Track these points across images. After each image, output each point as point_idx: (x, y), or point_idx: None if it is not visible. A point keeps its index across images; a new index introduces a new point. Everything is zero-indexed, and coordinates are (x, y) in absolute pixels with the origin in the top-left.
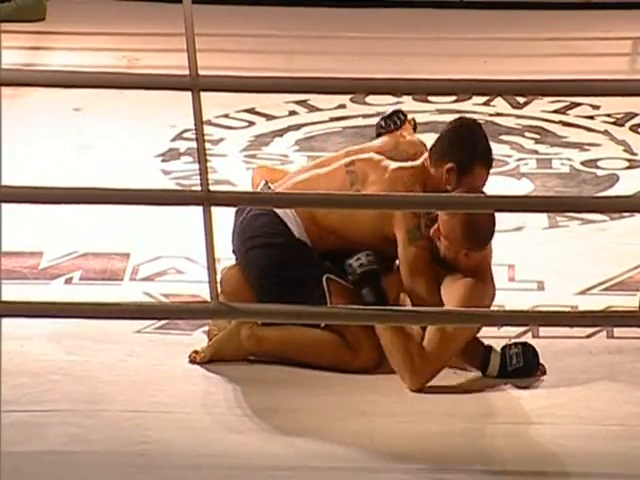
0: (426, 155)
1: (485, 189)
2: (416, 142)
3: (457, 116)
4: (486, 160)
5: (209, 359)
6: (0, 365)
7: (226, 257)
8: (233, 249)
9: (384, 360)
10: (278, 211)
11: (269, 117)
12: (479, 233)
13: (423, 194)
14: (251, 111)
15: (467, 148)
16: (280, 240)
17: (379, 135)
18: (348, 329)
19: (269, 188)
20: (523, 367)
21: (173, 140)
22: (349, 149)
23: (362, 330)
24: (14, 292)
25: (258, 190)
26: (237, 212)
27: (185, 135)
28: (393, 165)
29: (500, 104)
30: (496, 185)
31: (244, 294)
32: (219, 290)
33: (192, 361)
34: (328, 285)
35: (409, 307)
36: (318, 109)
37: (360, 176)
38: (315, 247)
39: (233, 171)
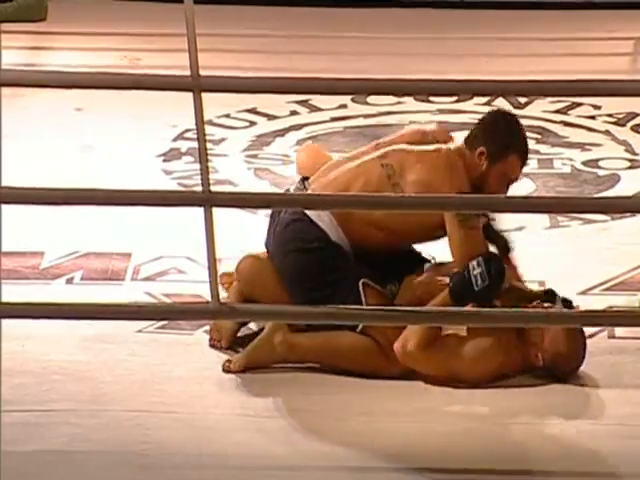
0: (459, 141)
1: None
2: (444, 130)
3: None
4: (522, 152)
5: (244, 367)
6: (0, 365)
7: (227, 257)
8: (269, 255)
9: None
10: (312, 216)
11: (270, 117)
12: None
13: (444, 195)
14: (252, 111)
15: (503, 136)
16: (316, 245)
17: None
18: (382, 335)
19: (304, 184)
20: (489, 285)
21: (174, 140)
22: (378, 142)
23: (396, 336)
24: (15, 292)
25: (296, 181)
26: (271, 216)
27: (186, 135)
28: (429, 147)
29: (501, 104)
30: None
31: (261, 283)
32: (235, 278)
33: (226, 371)
34: (364, 289)
35: (424, 307)
36: (319, 109)
37: (397, 168)
38: (355, 249)
39: (234, 171)
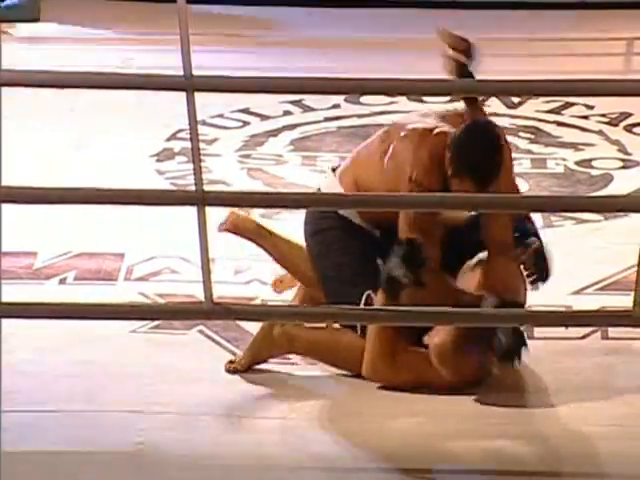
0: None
1: None
2: (457, 114)
3: (479, 119)
4: (477, 179)
5: (249, 364)
6: (0, 365)
7: (220, 257)
8: None
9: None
10: (324, 191)
11: (263, 117)
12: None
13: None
14: (246, 111)
15: (469, 156)
16: (325, 225)
17: None
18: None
19: (333, 171)
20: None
21: (168, 140)
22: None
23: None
24: (8, 292)
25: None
26: None
27: (179, 135)
28: (424, 125)
29: (495, 104)
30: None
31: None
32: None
33: (230, 371)
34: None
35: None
36: (312, 109)
37: (393, 134)
38: (366, 221)
39: (227, 171)
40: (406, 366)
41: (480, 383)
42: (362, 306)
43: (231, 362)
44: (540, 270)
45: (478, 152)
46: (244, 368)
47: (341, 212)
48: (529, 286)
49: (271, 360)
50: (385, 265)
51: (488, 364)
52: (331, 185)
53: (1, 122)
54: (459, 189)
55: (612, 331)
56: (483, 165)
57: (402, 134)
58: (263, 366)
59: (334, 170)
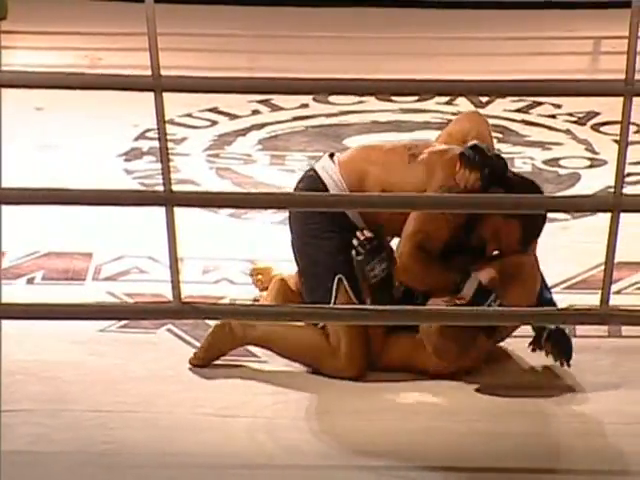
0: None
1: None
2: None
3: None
4: (526, 225)
5: (205, 358)
6: (0, 365)
7: (189, 256)
8: None
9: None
10: (321, 174)
11: (232, 116)
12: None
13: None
14: (214, 110)
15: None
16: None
17: None
18: (333, 332)
19: (332, 157)
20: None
21: (136, 139)
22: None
23: (345, 335)
24: None
25: (324, 157)
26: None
27: (148, 134)
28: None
29: (463, 103)
30: None
31: None
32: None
33: (192, 364)
34: (338, 286)
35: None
36: (281, 108)
37: (423, 146)
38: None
39: (196, 171)
40: (390, 350)
41: (471, 370)
42: (334, 291)
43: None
44: (561, 350)
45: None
46: (200, 360)
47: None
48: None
49: (240, 357)
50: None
51: (479, 349)
52: (328, 169)
53: (1, 123)
54: (503, 231)
55: (579, 329)
56: (537, 223)
57: (439, 148)
58: (232, 364)
59: (331, 156)
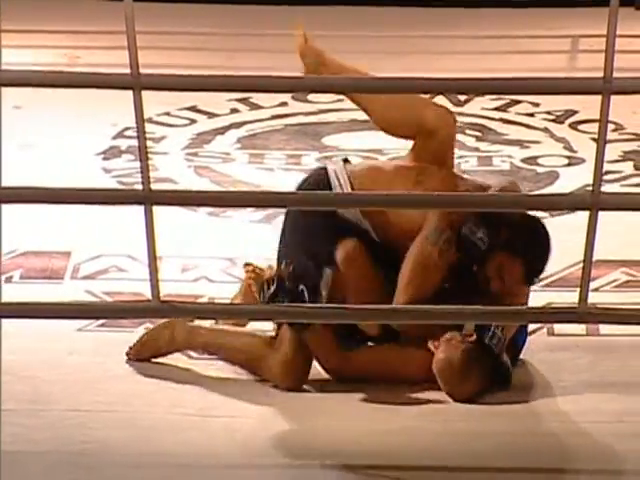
0: None
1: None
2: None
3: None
4: (528, 264)
5: (140, 349)
6: (0, 365)
7: (168, 255)
8: None
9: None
10: (330, 175)
11: (211, 115)
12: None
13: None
14: (193, 109)
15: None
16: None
17: None
18: (278, 339)
19: (345, 163)
20: None
21: (114, 138)
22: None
23: (289, 343)
24: None
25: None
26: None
27: (126, 133)
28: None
29: (441, 101)
30: None
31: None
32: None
33: (127, 355)
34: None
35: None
36: (260, 107)
37: (428, 175)
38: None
39: (175, 169)
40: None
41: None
42: (325, 283)
43: (130, 348)
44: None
45: (543, 250)
46: (137, 357)
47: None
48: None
49: (216, 359)
50: None
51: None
52: (339, 172)
53: (1, 124)
54: (507, 269)
55: (557, 327)
56: (540, 261)
57: (448, 180)
58: (209, 365)
59: (345, 161)
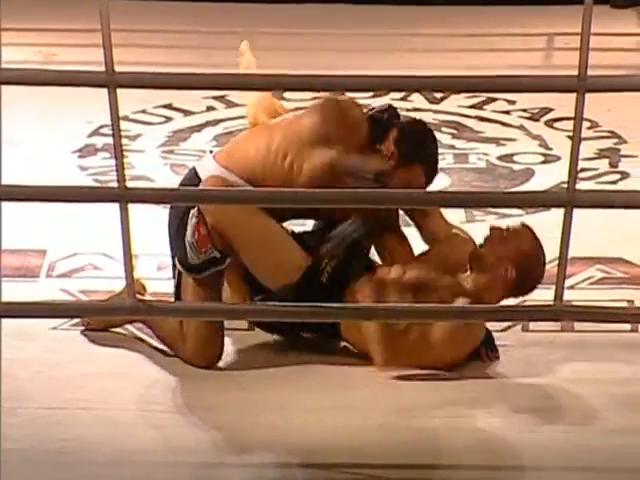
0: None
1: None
2: None
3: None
4: (427, 165)
5: (94, 321)
6: (0, 365)
7: (143, 253)
8: None
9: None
10: (199, 171)
11: (187, 113)
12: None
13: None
14: (168, 107)
15: (415, 147)
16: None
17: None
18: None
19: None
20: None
21: (90, 136)
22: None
23: (193, 323)
24: None
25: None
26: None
27: (102, 131)
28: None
29: (417, 99)
30: None
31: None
32: None
33: (85, 327)
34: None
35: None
36: (236, 104)
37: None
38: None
39: (151, 167)
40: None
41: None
42: (195, 216)
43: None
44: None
45: (434, 146)
46: (96, 327)
47: None
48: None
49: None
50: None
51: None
52: (208, 164)
53: (1, 122)
54: (406, 177)
55: (532, 324)
56: (435, 158)
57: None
58: (183, 363)
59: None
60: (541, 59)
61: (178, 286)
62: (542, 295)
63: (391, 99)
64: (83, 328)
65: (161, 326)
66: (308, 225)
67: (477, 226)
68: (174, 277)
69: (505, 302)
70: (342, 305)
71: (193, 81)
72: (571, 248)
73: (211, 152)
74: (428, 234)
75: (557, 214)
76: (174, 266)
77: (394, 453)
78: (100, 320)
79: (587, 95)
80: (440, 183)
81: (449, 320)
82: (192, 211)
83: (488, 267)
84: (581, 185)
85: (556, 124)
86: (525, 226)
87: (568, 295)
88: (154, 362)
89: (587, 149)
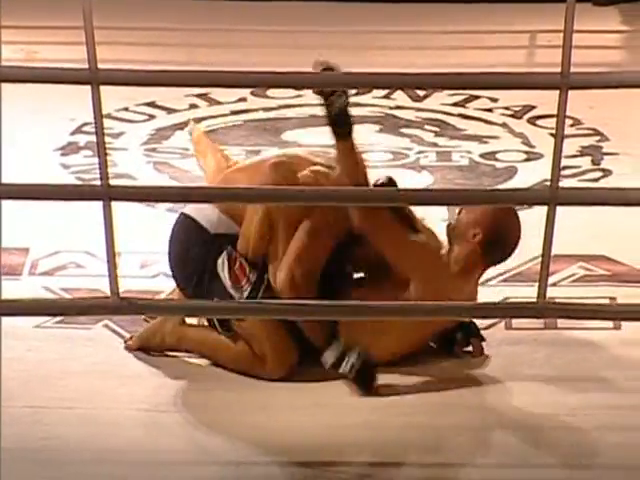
0: None
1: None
2: None
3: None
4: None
5: (137, 347)
6: (0, 363)
7: (126, 250)
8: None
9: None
10: (191, 214)
11: (170, 110)
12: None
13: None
14: (151, 104)
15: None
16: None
17: None
18: (253, 339)
19: None
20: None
21: (72, 134)
22: None
23: (267, 340)
24: None
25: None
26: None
27: (85, 129)
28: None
29: (400, 97)
30: (397, 178)
31: None
32: None
33: (126, 347)
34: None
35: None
36: (219, 102)
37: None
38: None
39: (134, 165)
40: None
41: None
42: (225, 263)
43: (130, 338)
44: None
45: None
46: (133, 348)
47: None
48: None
49: (166, 355)
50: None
51: None
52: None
53: (1, 118)
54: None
55: (515, 321)
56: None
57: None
58: (166, 362)
59: None
60: (524, 57)
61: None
62: (525, 292)
63: (373, 97)
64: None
65: (221, 358)
66: None
67: None
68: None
69: (487, 300)
70: (342, 303)
71: (176, 78)
72: (554, 245)
73: None
74: None
75: (540, 211)
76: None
77: (377, 451)
78: (143, 344)
79: (570, 92)
80: (423, 181)
81: (430, 316)
82: (219, 260)
83: (459, 235)
84: (563, 183)
85: (539, 122)
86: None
87: (551, 292)
88: (138, 361)
89: (569, 147)
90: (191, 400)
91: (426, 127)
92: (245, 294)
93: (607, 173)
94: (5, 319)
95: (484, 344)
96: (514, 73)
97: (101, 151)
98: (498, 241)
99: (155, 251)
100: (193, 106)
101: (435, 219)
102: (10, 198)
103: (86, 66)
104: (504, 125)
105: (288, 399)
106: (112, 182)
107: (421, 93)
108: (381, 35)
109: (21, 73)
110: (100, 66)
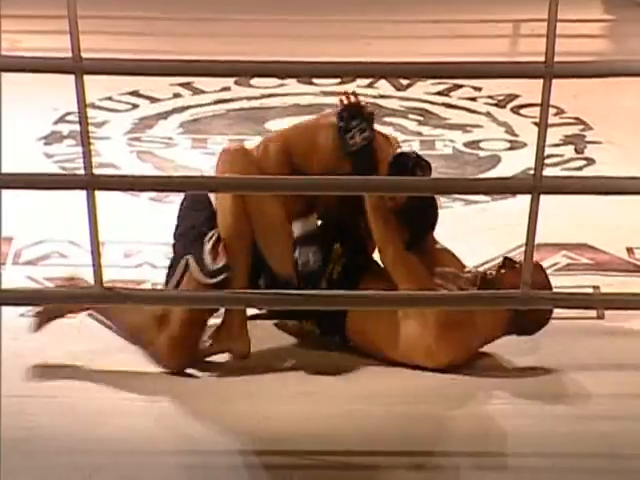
0: None
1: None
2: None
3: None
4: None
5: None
6: (0, 354)
7: (110, 240)
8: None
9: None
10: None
11: (153, 99)
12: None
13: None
14: (135, 94)
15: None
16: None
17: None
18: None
19: None
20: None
21: (56, 123)
22: None
23: (177, 321)
24: None
25: None
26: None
27: (68, 118)
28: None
29: (384, 86)
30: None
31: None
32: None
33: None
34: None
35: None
36: (202, 91)
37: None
38: None
39: (117, 154)
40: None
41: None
42: (180, 271)
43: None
44: None
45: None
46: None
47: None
48: None
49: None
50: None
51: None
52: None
53: (1, 107)
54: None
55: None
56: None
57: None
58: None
59: None
60: (508, 46)
61: (177, 286)
62: None
63: (357, 86)
64: (35, 315)
65: (125, 323)
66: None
67: (444, 213)
68: (169, 276)
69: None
70: (338, 292)
71: (160, 68)
72: (537, 234)
73: None
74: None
75: (523, 200)
76: (171, 266)
77: (363, 440)
78: (51, 310)
79: (553, 81)
80: None
81: (425, 306)
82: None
83: None
84: (547, 171)
85: (522, 110)
86: (537, 264)
87: None
88: (121, 351)
89: (553, 135)
90: (175, 389)
91: (410, 116)
92: (212, 268)
93: (590, 162)
94: None
95: None
96: (498, 62)
97: (85, 140)
98: (532, 319)
99: (138, 241)
100: (177, 95)
101: None
102: None
103: (70, 55)
104: (488, 114)
105: (273, 389)
106: (96, 171)
107: (405, 82)
108: (365, 24)
109: (4, 62)
110: (84, 55)
